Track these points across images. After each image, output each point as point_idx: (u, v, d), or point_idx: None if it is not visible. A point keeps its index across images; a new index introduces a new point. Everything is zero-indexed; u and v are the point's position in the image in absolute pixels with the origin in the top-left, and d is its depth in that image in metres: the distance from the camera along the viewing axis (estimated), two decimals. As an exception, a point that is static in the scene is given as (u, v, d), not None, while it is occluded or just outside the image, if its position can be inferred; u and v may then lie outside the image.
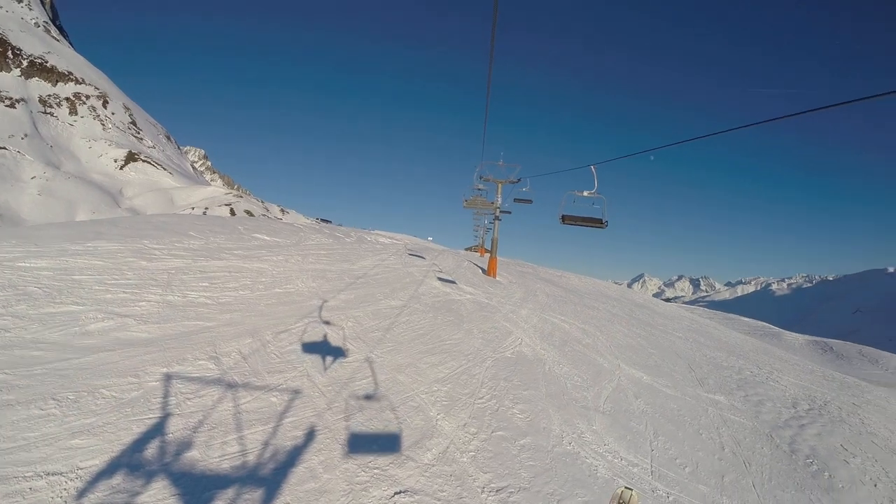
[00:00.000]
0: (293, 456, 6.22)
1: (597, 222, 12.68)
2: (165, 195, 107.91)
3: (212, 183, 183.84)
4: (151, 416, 6.37)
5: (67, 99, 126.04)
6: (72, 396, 6.42)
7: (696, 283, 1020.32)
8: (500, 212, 25.73)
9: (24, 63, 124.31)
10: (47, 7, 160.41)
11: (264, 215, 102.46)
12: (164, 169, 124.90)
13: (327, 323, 11.01)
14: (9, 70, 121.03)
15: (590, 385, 11.71)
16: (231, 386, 7.48)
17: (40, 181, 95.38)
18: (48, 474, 5.07)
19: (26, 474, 5.00)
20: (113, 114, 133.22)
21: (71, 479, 5.08)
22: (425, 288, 16.62)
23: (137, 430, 6.04)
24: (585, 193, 12.40)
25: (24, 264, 10.48)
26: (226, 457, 5.91)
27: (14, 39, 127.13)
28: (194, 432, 6.21)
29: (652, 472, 8.71)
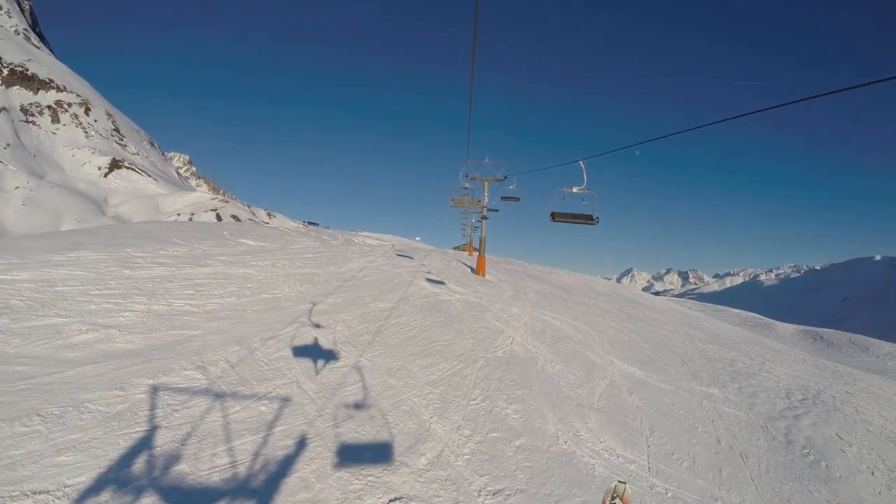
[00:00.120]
0: (284, 466, 6.09)
1: (587, 219, 12.48)
2: (151, 202, 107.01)
3: (197, 188, 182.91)
4: (138, 429, 6.22)
5: (49, 107, 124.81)
6: (57, 412, 6.26)
7: (684, 276, 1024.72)
8: (488, 210, 25.65)
9: (5, 71, 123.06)
10: (26, 14, 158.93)
11: (251, 220, 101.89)
12: (149, 175, 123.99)
13: (316, 327, 10.87)
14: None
15: (583, 382, 11.63)
16: (219, 396, 7.33)
17: (24, 191, 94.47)
18: (35, 493, 4.93)
19: (12, 494, 4.85)
20: (95, 121, 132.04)
21: (58, 498, 4.94)
22: (414, 289, 16.51)
23: (124, 444, 5.89)
24: (575, 190, 12.20)
25: (5, 277, 10.30)
26: (215, 469, 5.77)
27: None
28: (182, 445, 6.07)
29: (649, 468, 8.64)
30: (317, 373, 8.71)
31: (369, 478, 6.24)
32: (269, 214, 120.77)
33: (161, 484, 5.36)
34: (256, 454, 6.17)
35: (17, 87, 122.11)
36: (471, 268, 25.35)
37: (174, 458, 5.82)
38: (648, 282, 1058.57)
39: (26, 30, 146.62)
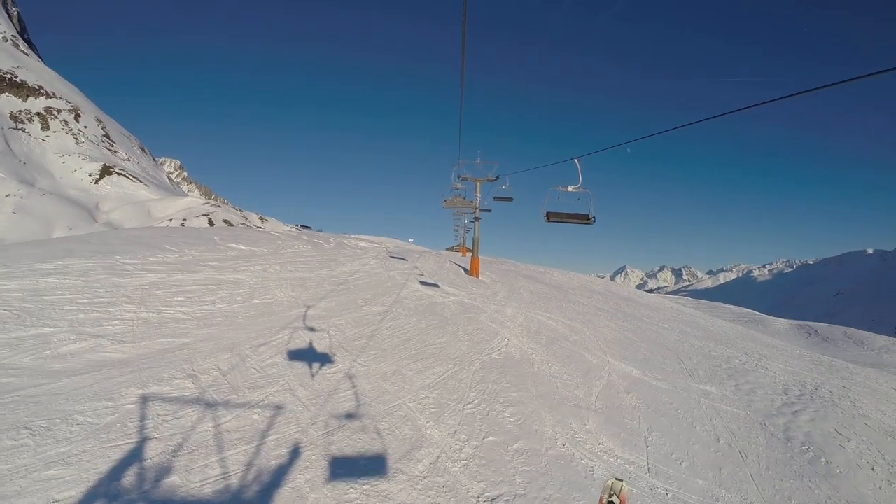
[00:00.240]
0: (278, 476, 5.96)
1: (583, 218, 12.18)
2: (142, 208, 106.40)
3: (189, 193, 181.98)
4: (128, 441, 6.09)
5: (39, 114, 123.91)
6: (45, 424, 6.13)
7: (678, 273, 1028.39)
8: (480, 210, 25.56)
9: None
10: (14, 21, 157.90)
11: (243, 224, 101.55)
12: (140, 181, 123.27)
13: (309, 333, 10.76)
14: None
15: (580, 383, 11.55)
16: (210, 405, 7.20)
17: (15, 199, 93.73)
18: (24, 508, 4.80)
19: (2, 509, 4.74)
20: (86, 127, 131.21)
21: (48, 513, 4.81)
22: (408, 291, 16.41)
23: (114, 456, 5.76)
24: (570, 188, 11.93)
25: (-8, 287, 10.14)
26: (207, 481, 5.65)
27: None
28: (173, 456, 5.94)
29: (649, 469, 8.54)
30: (310, 379, 8.59)
31: (365, 486, 6.12)
32: (261, 218, 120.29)
33: (152, 497, 5.24)
34: (249, 464, 6.05)
35: (6, 94, 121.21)
36: (464, 269, 25.29)
37: (165, 469, 5.69)
38: (642, 279, 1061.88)
39: (14, 37, 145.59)
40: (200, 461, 5.95)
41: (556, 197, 11.98)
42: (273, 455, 6.33)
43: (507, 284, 22.58)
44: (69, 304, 10.16)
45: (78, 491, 5.14)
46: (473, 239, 25.18)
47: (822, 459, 10.10)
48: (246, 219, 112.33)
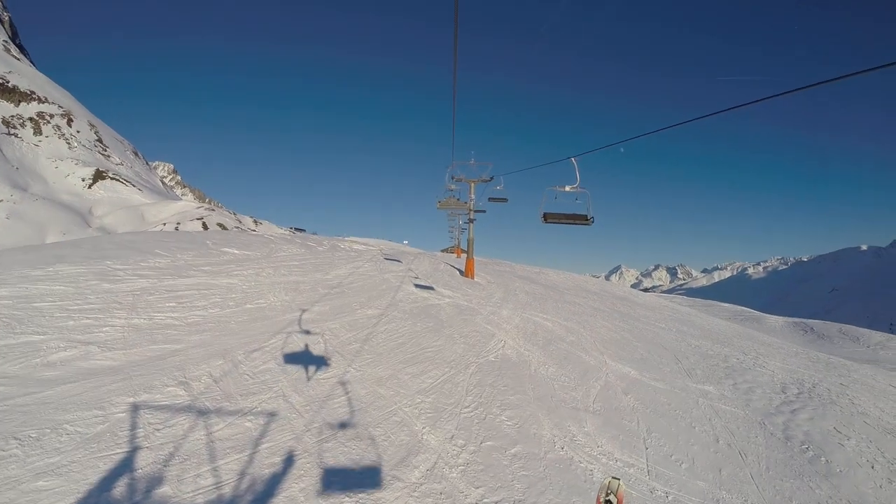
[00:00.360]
0: (272, 485, 5.86)
1: (582, 219, 11.90)
2: (136, 212, 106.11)
3: (183, 197, 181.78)
4: (119, 450, 5.98)
5: (31, 119, 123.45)
6: (34, 434, 6.02)
7: (672, 272, 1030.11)
8: (475, 211, 25.47)
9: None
10: (6, 26, 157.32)
11: (237, 227, 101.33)
12: (134, 186, 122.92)
13: (302, 337, 10.66)
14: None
15: (578, 384, 11.46)
16: (202, 413, 7.09)
17: (7, 204, 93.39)
18: (13, 520, 4.70)
19: (-11, 522, 4.63)
20: (78, 132, 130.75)
21: (37, 525, 4.70)
22: (403, 294, 16.32)
23: (104, 466, 5.66)
24: (567, 188, 11.67)
25: (-20, 294, 10.01)
26: (199, 491, 5.55)
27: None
28: (165, 466, 5.84)
29: (648, 471, 8.46)
30: (304, 385, 8.50)
31: (361, 495, 6.03)
32: (255, 222, 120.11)
33: (142, 509, 5.12)
34: (242, 473, 5.94)
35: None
36: (459, 270, 25.21)
37: (156, 480, 5.59)
38: (637, 278, 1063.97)
39: (6, 41, 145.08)
40: (192, 471, 5.84)
41: (553, 197, 11.73)
42: (266, 464, 6.22)
43: (502, 286, 22.51)
44: (59, 311, 10.02)
45: (68, 502, 5.05)
46: (468, 240, 25.10)
47: (822, 458, 10.04)
48: (240, 222, 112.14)
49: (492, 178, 24.58)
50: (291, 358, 9.43)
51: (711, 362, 15.59)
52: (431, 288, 18.24)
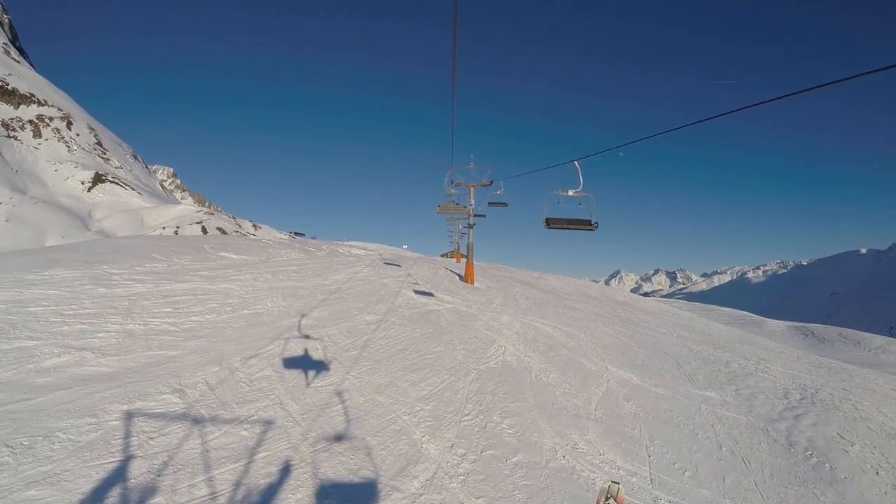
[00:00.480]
0: (268, 496, 5.73)
1: (586, 224, 11.63)
2: (135, 216, 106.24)
3: (182, 201, 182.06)
4: (112, 459, 5.86)
5: (31, 121, 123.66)
6: (26, 442, 5.91)
7: (672, 276, 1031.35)
8: (474, 216, 25.37)
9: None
10: (6, 28, 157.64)
11: (237, 231, 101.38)
12: (133, 189, 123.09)
13: (300, 344, 10.55)
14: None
15: (579, 391, 11.34)
16: (197, 421, 6.96)
17: (7, 207, 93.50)
18: (4, 530, 4.61)
19: (-20, 531, 4.53)
20: (78, 135, 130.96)
21: (29, 535, 4.60)
22: (402, 299, 16.22)
23: (97, 476, 5.54)
24: (570, 193, 11.42)
25: (-26, 298, 9.93)
26: (194, 501, 5.42)
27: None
28: (158, 475, 5.71)
29: (651, 479, 8.33)
30: (301, 393, 8.37)
31: (358, 505, 5.89)
32: (254, 226, 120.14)
33: (135, 520, 5.02)
34: (238, 484, 5.81)
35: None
36: (459, 275, 25.11)
37: (150, 490, 5.46)
38: (637, 283, 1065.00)
39: (6, 44, 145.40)
40: (186, 481, 5.71)
41: (555, 202, 11.50)
42: (262, 474, 6.08)
43: (502, 291, 22.42)
44: (54, 316, 9.93)
45: (59, 512, 4.90)
46: (468, 245, 25.00)
47: (826, 465, 9.93)
48: (239, 226, 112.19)
49: (491, 182, 24.53)
50: (289, 365, 9.32)
51: (713, 368, 15.49)
52: (431, 293, 18.15)
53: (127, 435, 6.37)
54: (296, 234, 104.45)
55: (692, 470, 8.95)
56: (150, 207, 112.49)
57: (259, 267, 17.11)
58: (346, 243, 45.12)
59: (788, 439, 10.86)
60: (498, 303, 19.25)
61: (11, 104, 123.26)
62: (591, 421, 9.95)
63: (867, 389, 15.13)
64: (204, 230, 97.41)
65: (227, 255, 17.90)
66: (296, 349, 10.21)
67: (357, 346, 11.16)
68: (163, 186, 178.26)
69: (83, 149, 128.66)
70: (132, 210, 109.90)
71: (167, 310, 11.36)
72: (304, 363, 9.57)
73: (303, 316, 12.53)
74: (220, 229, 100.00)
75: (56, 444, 5.98)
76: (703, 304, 50.57)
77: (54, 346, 8.76)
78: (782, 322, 39.64)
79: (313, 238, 79.90)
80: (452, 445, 7.77)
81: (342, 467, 6.54)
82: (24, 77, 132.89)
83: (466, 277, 23.61)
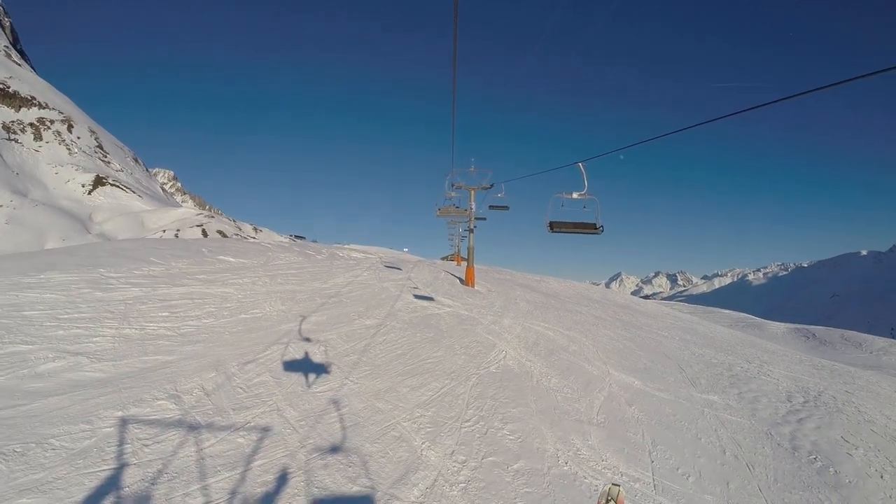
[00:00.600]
0: (264, 505, 5.62)
1: (590, 228, 11.34)
2: (136, 218, 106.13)
3: (183, 204, 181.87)
4: (105, 467, 5.75)
5: (31, 124, 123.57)
6: (19, 449, 5.80)
7: (673, 279, 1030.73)
8: (475, 219, 25.29)
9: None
10: (7, 31, 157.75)
11: (237, 235, 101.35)
12: (134, 192, 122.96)
13: (298, 349, 10.45)
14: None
15: (581, 396, 11.23)
16: (193, 428, 6.85)
17: (7, 210, 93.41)
18: (-5, 539, 4.50)
19: (-29, 541, 4.44)
20: (79, 138, 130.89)
21: (19, 544, 4.48)
22: (402, 303, 16.13)
23: (90, 484, 5.43)
24: (575, 195, 11.16)
25: (-31, 302, 9.83)
26: (188, 511, 5.30)
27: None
28: (153, 484, 5.60)
29: (654, 485, 8.21)
30: (299, 399, 8.26)
31: (357, 515, 5.79)
32: (255, 229, 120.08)
33: (128, 530, 4.92)
34: (233, 492, 5.71)
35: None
36: (459, 279, 25.03)
37: (144, 499, 5.37)
38: (637, 285, 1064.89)
39: (7, 47, 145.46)
40: (181, 489, 5.61)
41: (559, 205, 11.24)
42: (259, 482, 5.97)
43: (503, 294, 22.33)
44: (49, 320, 9.83)
45: (51, 521, 4.80)
46: (468, 248, 24.93)
47: (831, 469, 9.82)
48: (240, 229, 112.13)
49: (492, 185, 24.47)
50: (287, 370, 9.21)
51: (715, 371, 15.39)
52: (431, 297, 18.05)
53: (121, 442, 6.27)
54: (296, 237, 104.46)
55: (696, 475, 8.84)
56: (150, 210, 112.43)
57: (258, 270, 17.03)
58: (346, 246, 45.08)
59: (792, 443, 10.76)
60: (499, 306, 19.16)
61: (12, 107, 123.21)
62: (594, 426, 9.84)
63: (870, 392, 15.05)
64: (204, 233, 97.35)
65: (225, 258, 17.81)
66: (294, 354, 10.11)
67: (356, 350, 11.06)
68: (163, 189, 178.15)
69: (84, 152, 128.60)
70: (133, 213, 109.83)
71: (164, 314, 11.26)
72: (303, 368, 9.47)
73: (301, 320, 12.44)
74: (220, 232, 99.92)
75: (49, 452, 5.87)
76: (704, 307, 50.54)
77: (49, 351, 8.65)
78: (783, 324, 39.58)
79: (314, 241, 79.84)
80: (453, 452, 7.66)
81: (340, 475, 6.43)
82: (25, 80, 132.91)
83: (467, 281, 23.54)
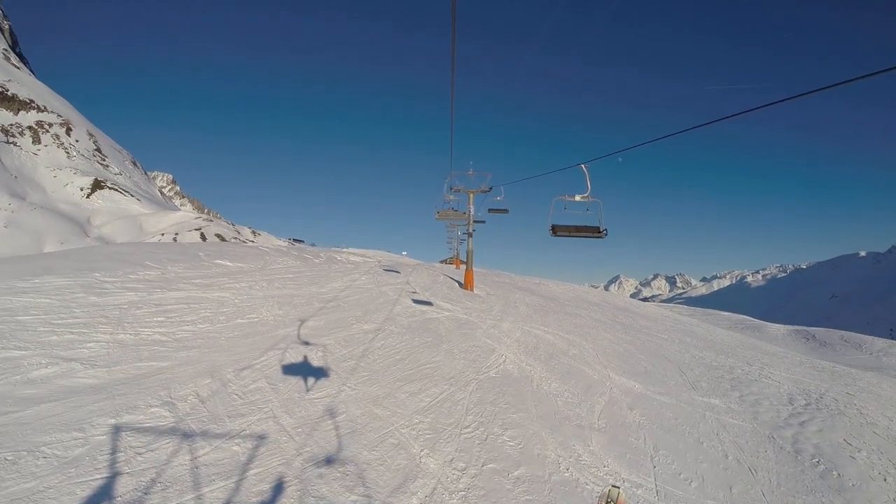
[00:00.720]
0: (259, 515, 5.52)
1: (594, 231, 11.14)
2: (134, 222, 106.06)
3: (181, 208, 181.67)
4: (98, 476, 5.67)
5: (30, 128, 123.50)
6: (10, 457, 5.72)
7: (671, 281, 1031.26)
8: (474, 222, 25.19)
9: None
10: (6, 34, 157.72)
11: (236, 238, 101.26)
12: (132, 195, 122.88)
13: (295, 354, 10.35)
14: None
15: (581, 400, 11.13)
16: (187, 435, 6.75)
17: (6, 213, 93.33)
18: (-15, 549, 4.41)
19: (-39, 551, 4.34)
20: (77, 141, 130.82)
21: (10, 555, 4.39)
22: (400, 308, 16.03)
23: (82, 493, 5.34)
24: (578, 198, 10.96)
25: (-37, 308, 9.73)
26: (181, 521, 5.21)
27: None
28: (146, 493, 5.51)
29: (657, 491, 8.12)
30: (296, 405, 8.17)
31: (354, 525, 5.68)
32: (253, 232, 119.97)
33: (120, 541, 4.83)
34: (228, 502, 5.63)
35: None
36: (458, 282, 24.95)
37: (136, 509, 5.23)
38: (636, 288, 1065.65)
39: (6, 50, 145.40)
40: (175, 499, 5.53)
41: (562, 208, 11.05)
42: (254, 491, 5.88)
43: (502, 298, 22.23)
44: (43, 325, 9.72)
45: (40, 532, 4.71)
46: (467, 252, 24.85)
47: (834, 472, 9.75)
48: (238, 233, 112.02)
49: (491, 188, 24.36)
50: (283, 376, 9.11)
51: (716, 374, 15.31)
52: (430, 301, 17.95)
53: (114, 450, 6.18)
54: (294, 240, 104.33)
55: (698, 480, 8.76)
56: (149, 214, 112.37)
57: (255, 275, 16.93)
58: (344, 250, 44.95)
59: (795, 446, 10.68)
60: (498, 310, 19.06)
61: (11, 110, 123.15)
62: (595, 431, 9.74)
63: (871, 394, 14.98)
64: (203, 237, 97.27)
65: (222, 262, 17.70)
66: (291, 360, 10.01)
67: (354, 356, 10.96)
68: (162, 193, 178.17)
69: (82, 155, 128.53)
70: (131, 216, 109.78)
71: (159, 319, 11.16)
72: (300, 374, 9.36)
73: (299, 325, 12.35)
74: (218, 236, 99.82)
75: (41, 460, 5.79)
76: (703, 309, 50.50)
77: (42, 357, 8.56)
78: (783, 326, 39.51)
79: (312, 245, 79.71)
80: (452, 459, 7.57)
81: (337, 484, 6.33)
82: (23, 83, 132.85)
83: (466, 284, 23.44)
